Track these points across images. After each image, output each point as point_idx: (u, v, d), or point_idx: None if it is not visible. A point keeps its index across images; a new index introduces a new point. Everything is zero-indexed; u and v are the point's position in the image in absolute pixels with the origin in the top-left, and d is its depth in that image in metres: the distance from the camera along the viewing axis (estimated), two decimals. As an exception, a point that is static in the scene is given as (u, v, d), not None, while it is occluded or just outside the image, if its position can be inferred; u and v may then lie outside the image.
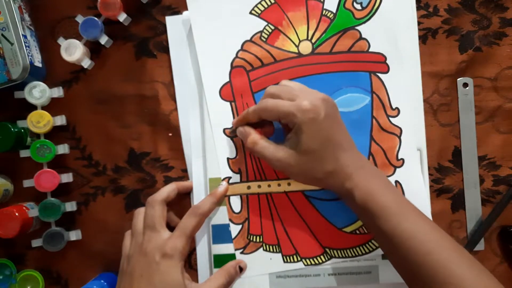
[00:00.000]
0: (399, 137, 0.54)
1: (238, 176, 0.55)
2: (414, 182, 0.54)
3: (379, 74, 0.55)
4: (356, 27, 0.55)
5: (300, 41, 0.55)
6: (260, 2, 0.55)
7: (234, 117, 0.55)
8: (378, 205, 0.46)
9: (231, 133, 0.55)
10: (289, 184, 0.54)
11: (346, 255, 0.54)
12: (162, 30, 0.57)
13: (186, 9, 0.57)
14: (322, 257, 0.54)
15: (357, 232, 0.54)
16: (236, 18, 0.55)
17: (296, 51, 0.55)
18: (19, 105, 0.56)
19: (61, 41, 0.55)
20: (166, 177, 0.57)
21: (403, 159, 0.54)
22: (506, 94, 0.56)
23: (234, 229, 0.55)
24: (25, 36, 0.54)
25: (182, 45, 0.57)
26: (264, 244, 0.54)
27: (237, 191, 0.55)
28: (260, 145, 0.50)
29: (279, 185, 0.55)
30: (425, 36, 0.56)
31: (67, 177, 0.55)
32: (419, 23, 0.56)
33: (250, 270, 0.54)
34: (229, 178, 0.55)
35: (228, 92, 0.55)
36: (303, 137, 0.47)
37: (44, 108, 0.55)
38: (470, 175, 0.56)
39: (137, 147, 0.57)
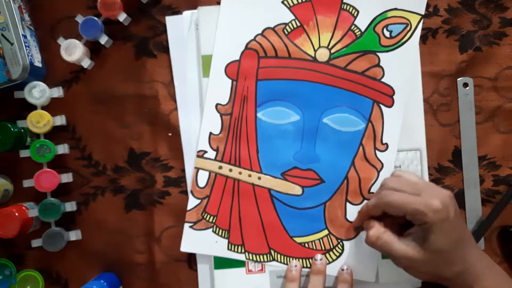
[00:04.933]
0: (378, 172, 0.54)
1: (214, 153, 0.55)
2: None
3: (382, 106, 0.54)
4: (378, 53, 0.54)
5: (319, 47, 0.55)
6: None
7: (230, 96, 0.55)
8: None
9: (355, 230, 0.54)
10: (259, 178, 0.55)
11: (287, 262, 0.54)
12: (162, 30, 0.57)
13: (186, 9, 0.57)
14: (265, 256, 0.54)
15: (306, 245, 0.54)
16: (267, 2, 0.55)
17: (313, 55, 0.55)
18: (19, 105, 0.55)
19: (61, 41, 0.55)
20: (165, 177, 0.57)
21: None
22: (506, 94, 0.56)
23: (192, 202, 0.55)
24: (25, 36, 0.54)
25: (182, 45, 0.57)
26: (215, 226, 0.55)
27: (207, 167, 0.55)
28: (384, 239, 0.48)
29: (249, 175, 0.55)
30: (425, 36, 0.56)
31: (67, 177, 0.55)
32: (419, 23, 0.56)
33: (193, 247, 0.55)
34: (205, 152, 0.55)
35: (233, 70, 0.55)
36: (433, 236, 0.45)
37: (44, 108, 0.55)
38: (470, 175, 0.56)
39: (137, 147, 0.57)
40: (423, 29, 0.56)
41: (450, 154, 0.56)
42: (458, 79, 0.56)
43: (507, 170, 0.56)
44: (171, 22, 0.57)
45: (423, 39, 0.56)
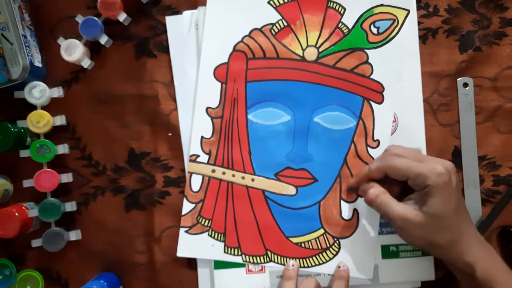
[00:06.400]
0: None
1: (206, 157, 0.55)
2: (371, 215, 0.54)
3: (372, 103, 0.54)
4: (366, 50, 0.54)
5: (307, 46, 0.55)
6: None
7: (220, 99, 0.55)
8: (502, 285, 0.46)
9: (349, 191, 0.54)
10: (253, 180, 0.55)
11: (284, 263, 0.54)
12: (162, 30, 0.57)
13: (186, 9, 0.57)
14: (262, 257, 0.54)
15: (302, 245, 0.54)
16: (253, 3, 0.55)
17: (301, 54, 0.55)
18: (19, 105, 0.55)
19: (61, 41, 0.55)
20: (165, 177, 0.57)
21: None
22: (506, 94, 0.56)
23: (187, 207, 0.55)
24: (25, 36, 0.54)
25: (182, 45, 0.57)
26: (210, 230, 0.55)
27: (201, 171, 0.55)
28: (383, 199, 0.48)
29: (243, 178, 0.55)
30: (425, 36, 0.56)
31: (67, 177, 0.55)
32: (419, 23, 0.56)
33: (190, 251, 0.55)
34: (197, 156, 0.55)
35: (222, 73, 0.55)
36: (432, 200, 0.46)
37: (44, 108, 0.55)
38: (470, 175, 0.56)
39: (137, 147, 0.57)
40: (423, 29, 0.56)
41: (450, 154, 0.56)
42: (458, 79, 0.56)
43: (507, 170, 0.56)
44: (171, 22, 0.57)
45: (423, 39, 0.56)
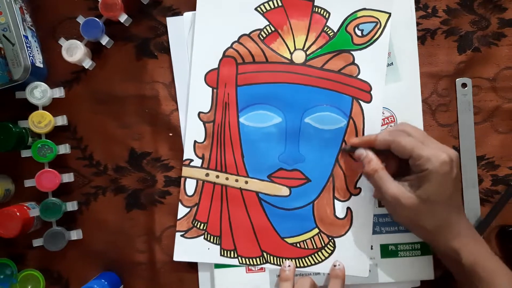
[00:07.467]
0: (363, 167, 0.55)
1: (200, 161, 0.55)
2: (365, 213, 0.55)
3: (361, 102, 0.55)
4: (352, 51, 0.55)
5: (295, 49, 0.55)
6: (267, 1, 0.56)
7: (212, 104, 0.55)
8: (487, 270, 0.46)
9: (346, 150, 0.54)
10: (246, 182, 0.55)
11: (280, 263, 0.54)
12: (163, 31, 0.57)
13: (187, 10, 0.57)
14: (258, 259, 0.55)
15: (297, 245, 0.55)
16: (241, 10, 0.56)
17: (289, 57, 0.55)
18: (20, 105, 0.56)
19: (62, 41, 0.55)
20: (166, 177, 0.57)
21: (360, 188, 0.55)
22: (505, 94, 0.57)
23: (182, 211, 0.55)
24: (26, 37, 0.54)
25: (183, 45, 0.57)
26: (206, 233, 0.55)
27: (195, 175, 0.55)
28: (380, 174, 0.49)
29: (236, 180, 0.55)
30: (424, 36, 0.57)
31: (68, 177, 0.55)
32: (417, 23, 0.56)
33: (186, 255, 0.55)
34: (191, 160, 0.55)
35: (213, 79, 0.56)
36: (429, 185, 0.47)
37: (45, 108, 0.56)
38: (468, 175, 0.56)
39: (137, 147, 0.57)
40: (421, 30, 0.57)
41: (449, 154, 0.57)
42: (457, 79, 0.57)
43: (506, 170, 0.56)
44: (172, 23, 0.57)
45: (422, 40, 0.57)
